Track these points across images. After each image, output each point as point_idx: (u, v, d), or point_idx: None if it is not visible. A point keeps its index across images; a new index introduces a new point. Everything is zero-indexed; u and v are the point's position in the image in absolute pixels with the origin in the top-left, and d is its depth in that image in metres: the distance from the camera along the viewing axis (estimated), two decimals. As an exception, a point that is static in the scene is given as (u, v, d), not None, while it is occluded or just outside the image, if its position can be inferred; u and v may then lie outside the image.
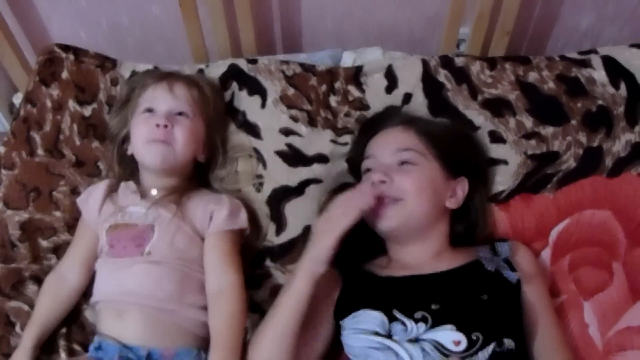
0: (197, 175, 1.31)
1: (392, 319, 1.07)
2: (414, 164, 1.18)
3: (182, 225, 1.18)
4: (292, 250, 1.31)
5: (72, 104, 1.39)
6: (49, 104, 1.38)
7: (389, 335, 1.06)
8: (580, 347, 1.19)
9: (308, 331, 1.11)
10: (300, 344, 1.09)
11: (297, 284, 1.07)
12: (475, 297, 1.08)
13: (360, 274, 1.20)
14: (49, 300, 1.20)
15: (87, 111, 1.40)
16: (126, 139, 1.27)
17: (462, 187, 1.22)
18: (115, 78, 1.44)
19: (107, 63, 1.45)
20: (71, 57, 1.42)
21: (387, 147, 1.21)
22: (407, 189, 1.15)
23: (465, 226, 1.25)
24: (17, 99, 1.65)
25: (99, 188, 1.26)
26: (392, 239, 1.22)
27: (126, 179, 1.27)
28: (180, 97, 1.22)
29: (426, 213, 1.17)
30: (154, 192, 1.23)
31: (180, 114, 1.22)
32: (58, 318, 1.19)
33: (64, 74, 1.41)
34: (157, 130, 1.18)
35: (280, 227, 1.32)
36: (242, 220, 1.23)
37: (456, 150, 1.25)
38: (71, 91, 1.40)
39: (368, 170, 1.22)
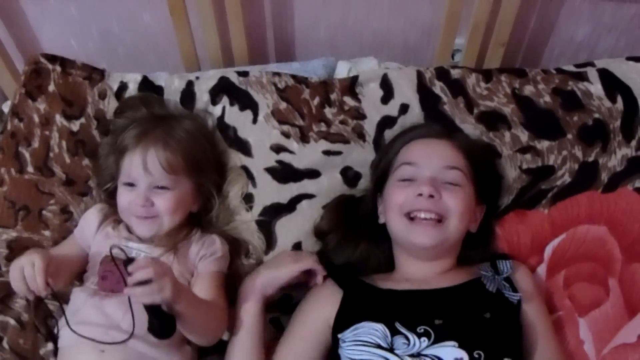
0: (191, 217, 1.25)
1: (394, 332, 1.03)
2: (458, 185, 1.13)
3: (179, 270, 1.14)
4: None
5: (59, 119, 1.31)
6: (36, 118, 1.31)
7: (391, 349, 1.02)
8: (575, 364, 1.16)
9: (304, 345, 1.11)
10: (296, 358, 1.10)
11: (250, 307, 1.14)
12: (478, 315, 1.04)
13: (361, 286, 1.15)
14: None
15: (75, 126, 1.32)
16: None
17: (481, 212, 1.21)
18: (104, 91, 1.36)
19: (94, 74, 1.38)
20: (58, 68, 1.35)
21: (436, 160, 1.16)
22: (453, 209, 1.11)
23: (476, 249, 1.22)
24: (6, 107, 1.58)
25: (93, 214, 1.22)
26: (413, 254, 1.17)
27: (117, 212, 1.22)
28: (155, 172, 1.14)
29: (461, 234, 1.15)
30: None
31: (160, 187, 1.15)
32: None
33: (51, 87, 1.33)
34: (139, 208, 1.14)
35: (270, 245, 1.27)
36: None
37: (489, 176, 1.23)
38: (58, 105, 1.32)
39: (406, 178, 1.16)
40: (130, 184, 1.15)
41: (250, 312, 1.14)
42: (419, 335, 1.01)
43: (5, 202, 1.25)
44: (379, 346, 1.02)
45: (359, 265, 1.22)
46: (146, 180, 1.14)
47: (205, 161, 1.23)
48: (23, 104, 1.31)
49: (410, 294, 1.10)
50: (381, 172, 1.24)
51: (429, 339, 1.00)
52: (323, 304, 1.14)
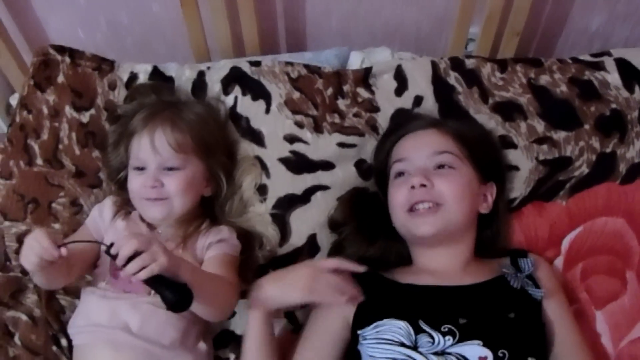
0: (204, 205, 1.21)
1: (418, 330, 1.00)
2: (452, 168, 1.10)
3: None
4: (296, 260, 1.23)
5: (69, 110, 1.28)
6: (45, 110, 1.27)
7: (415, 347, 0.99)
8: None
9: (324, 340, 1.08)
10: (314, 355, 1.07)
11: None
12: (503, 314, 1.02)
13: (380, 281, 1.12)
14: None
15: (85, 117, 1.29)
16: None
17: (491, 192, 1.16)
18: (114, 81, 1.32)
19: (104, 65, 1.33)
20: (67, 59, 1.31)
21: (423, 149, 1.13)
22: (448, 193, 1.08)
23: (493, 232, 1.18)
24: (14, 99, 1.56)
25: (107, 205, 1.18)
26: (423, 245, 1.14)
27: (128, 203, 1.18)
28: (163, 152, 1.10)
29: (464, 218, 1.10)
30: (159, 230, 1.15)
31: (170, 168, 1.12)
32: None
33: (60, 78, 1.29)
34: (149, 190, 1.10)
35: (284, 236, 1.23)
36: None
37: (488, 153, 1.18)
38: (67, 96, 1.28)
39: (400, 174, 1.14)
40: (140, 168, 1.12)
41: (255, 318, 1.07)
42: (444, 334, 0.99)
43: (15, 195, 1.22)
44: (403, 344, 0.99)
45: (377, 259, 1.18)
46: (155, 160, 1.10)
47: (214, 143, 1.19)
48: (32, 95, 1.28)
49: (432, 290, 1.07)
50: (380, 175, 1.22)
51: (453, 337, 0.98)
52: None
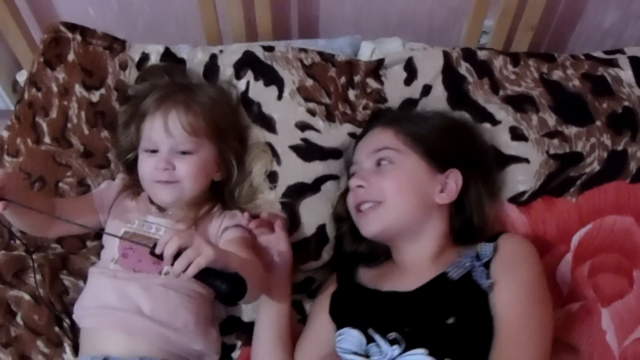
0: (214, 190, 1.18)
1: (369, 339, 0.99)
2: (391, 162, 1.08)
3: None
4: (304, 250, 1.19)
5: (78, 89, 1.24)
6: (54, 88, 1.23)
7: (367, 356, 0.98)
8: (596, 354, 1.13)
9: (322, 332, 1.09)
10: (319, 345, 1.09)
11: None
12: (441, 320, 0.95)
13: (349, 286, 1.12)
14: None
15: (95, 97, 1.25)
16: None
17: (455, 180, 1.09)
18: (125, 61, 1.28)
19: (115, 45, 1.29)
20: (78, 37, 1.27)
21: (364, 150, 1.13)
22: (386, 189, 1.05)
23: (462, 221, 1.11)
24: (21, 76, 1.53)
25: (115, 182, 1.17)
26: (385, 243, 1.12)
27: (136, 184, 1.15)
28: (177, 135, 1.07)
29: (411, 211, 1.06)
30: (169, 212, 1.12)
31: (183, 152, 1.08)
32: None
33: (70, 56, 1.25)
34: (161, 172, 1.07)
35: (293, 225, 1.19)
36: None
37: (442, 142, 1.12)
38: (78, 75, 1.25)
39: (351, 176, 1.14)
40: (152, 150, 1.08)
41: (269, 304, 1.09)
42: (391, 343, 0.95)
43: (21, 173, 1.18)
44: (356, 353, 0.99)
45: (368, 254, 1.16)
46: (168, 143, 1.07)
47: (227, 128, 1.16)
48: (41, 72, 1.24)
49: (387, 296, 1.04)
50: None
51: (400, 346, 0.94)
52: (326, 295, 1.13)
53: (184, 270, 0.81)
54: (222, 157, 1.15)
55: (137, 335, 1.00)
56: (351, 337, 1.01)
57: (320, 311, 1.12)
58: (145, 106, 1.11)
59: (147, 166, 1.09)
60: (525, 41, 1.43)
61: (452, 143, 1.13)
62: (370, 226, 1.06)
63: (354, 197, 1.09)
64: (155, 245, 0.85)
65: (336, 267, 1.20)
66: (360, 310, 1.05)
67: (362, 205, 1.07)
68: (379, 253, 1.16)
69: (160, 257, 0.84)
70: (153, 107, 1.09)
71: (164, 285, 1.03)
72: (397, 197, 1.05)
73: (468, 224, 1.12)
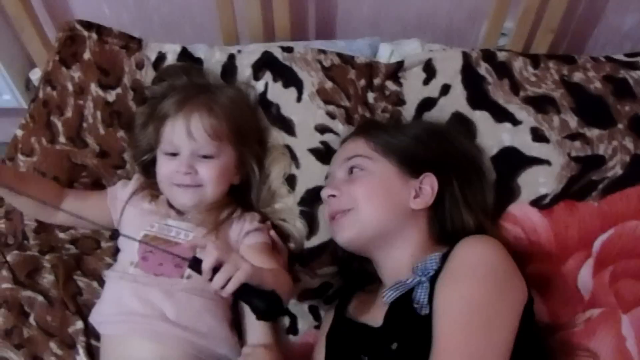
0: (232, 193, 1.15)
1: None
2: (362, 169, 1.04)
3: None
4: (322, 254, 1.16)
5: (94, 88, 1.21)
6: (70, 87, 1.20)
7: None
8: (616, 361, 1.09)
9: None
10: None
11: None
12: (387, 346, 0.90)
13: (335, 318, 1.09)
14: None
15: (111, 96, 1.22)
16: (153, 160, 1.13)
17: (430, 184, 1.04)
18: (141, 60, 1.25)
19: (131, 44, 1.26)
20: (94, 36, 1.24)
21: (337, 160, 1.10)
22: (357, 195, 1.02)
23: (440, 226, 1.06)
24: (34, 74, 1.51)
25: (131, 182, 1.14)
26: (362, 253, 1.07)
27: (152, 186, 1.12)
28: (199, 138, 1.04)
29: (383, 217, 1.01)
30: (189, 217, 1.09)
31: (204, 156, 1.06)
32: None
33: (86, 55, 1.22)
34: (181, 176, 1.04)
35: (312, 230, 1.16)
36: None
37: (415, 147, 1.08)
38: (93, 74, 1.22)
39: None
40: (172, 154, 1.06)
41: None
42: None
43: (35, 173, 1.16)
44: None
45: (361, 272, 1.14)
46: (189, 147, 1.04)
47: (248, 131, 1.13)
48: (57, 71, 1.21)
49: (356, 327, 1.01)
50: None
51: None
52: (323, 333, 1.10)
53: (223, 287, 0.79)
54: (241, 161, 1.12)
55: (163, 342, 0.97)
56: None
57: (320, 348, 1.09)
58: (165, 108, 1.08)
59: (166, 169, 1.06)
60: (545, 44, 1.40)
61: (426, 148, 1.09)
62: (343, 232, 1.02)
63: (328, 208, 1.07)
64: (194, 258, 0.82)
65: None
66: (330, 342, 1.04)
67: (336, 215, 1.04)
68: (370, 270, 1.11)
69: (198, 270, 0.81)
70: (174, 110, 1.06)
71: (187, 290, 1.00)
72: (368, 203, 1.01)
73: (441, 228, 1.06)
